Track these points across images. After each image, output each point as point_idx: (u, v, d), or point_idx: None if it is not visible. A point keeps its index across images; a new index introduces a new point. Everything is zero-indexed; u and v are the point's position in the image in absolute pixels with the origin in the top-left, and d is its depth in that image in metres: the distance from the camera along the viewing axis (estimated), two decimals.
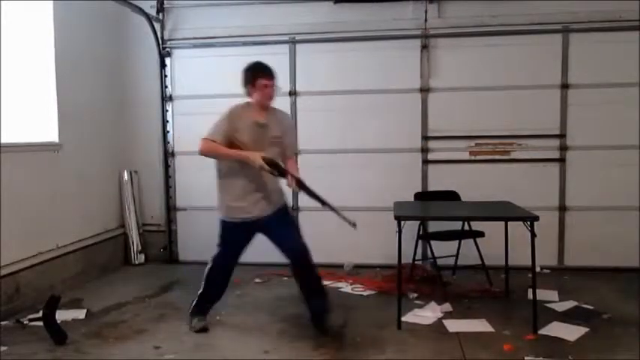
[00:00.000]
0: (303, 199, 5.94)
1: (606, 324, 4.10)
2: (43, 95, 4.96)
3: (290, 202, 5.93)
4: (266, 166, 3.61)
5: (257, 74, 3.84)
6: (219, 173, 3.94)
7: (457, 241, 5.25)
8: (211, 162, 6.22)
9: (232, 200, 3.84)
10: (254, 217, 3.83)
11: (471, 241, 5.12)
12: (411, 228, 4.69)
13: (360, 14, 5.81)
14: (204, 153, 3.76)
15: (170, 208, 6.25)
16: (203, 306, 4.09)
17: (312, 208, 6.03)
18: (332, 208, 3.67)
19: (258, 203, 3.83)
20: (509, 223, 4.64)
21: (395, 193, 5.09)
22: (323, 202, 3.70)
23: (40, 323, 3.85)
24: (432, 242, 5.11)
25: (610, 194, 5.57)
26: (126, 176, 6.14)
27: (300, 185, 3.73)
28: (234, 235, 3.93)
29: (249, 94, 3.90)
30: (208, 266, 4.05)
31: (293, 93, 5.94)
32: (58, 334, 3.78)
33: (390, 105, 5.83)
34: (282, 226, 3.88)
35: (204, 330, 4.00)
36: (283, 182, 3.83)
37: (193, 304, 4.10)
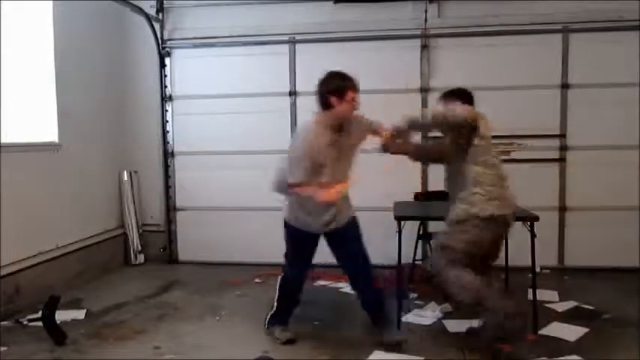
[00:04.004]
0: None
1: (606, 324, 4.10)
2: (42, 95, 4.96)
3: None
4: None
5: (349, 84, 3.46)
6: None
7: None
8: (209, 162, 6.24)
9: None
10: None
11: None
12: (411, 228, 4.68)
13: (360, 14, 5.81)
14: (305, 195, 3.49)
15: (170, 208, 6.25)
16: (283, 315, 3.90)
17: None
18: None
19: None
20: None
21: (395, 193, 5.08)
22: None
23: (40, 323, 3.84)
24: (432, 242, 5.11)
25: (610, 194, 5.56)
26: (126, 176, 6.14)
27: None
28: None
29: (329, 106, 3.46)
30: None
31: (293, 93, 5.94)
32: (57, 334, 3.78)
33: (390, 105, 5.80)
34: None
35: (291, 341, 3.78)
36: None
37: (270, 314, 3.92)
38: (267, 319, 3.93)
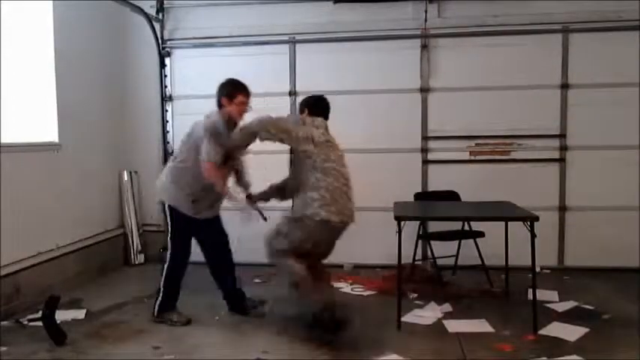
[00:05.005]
0: None
1: (606, 324, 4.10)
2: (42, 95, 4.96)
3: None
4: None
5: (238, 90, 4.02)
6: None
7: (457, 241, 5.25)
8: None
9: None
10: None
11: (471, 241, 5.12)
12: (411, 228, 4.68)
13: (360, 14, 5.81)
14: (211, 180, 3.91)
15: None
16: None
17: None
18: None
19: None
20: (509, 223, 4.64)
21: (395, 193, 5.09)
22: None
23: (40, 323, 3.84)
24: (432, 242, 5.12)
25: (610, 194, 5.57)
26: (126, 176, 6.14)
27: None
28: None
29: (221, 106, 4.05)
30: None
31: (293, 93, 5.94)
32: (57, 334, 3.78)
33: (390, 105, 5.83)
34: None
35: (189, 321, 4.18)
36: None
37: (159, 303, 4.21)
38: (157, 309, 4.17)
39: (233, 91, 4.01)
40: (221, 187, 3.96)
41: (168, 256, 4.17)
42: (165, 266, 4.17)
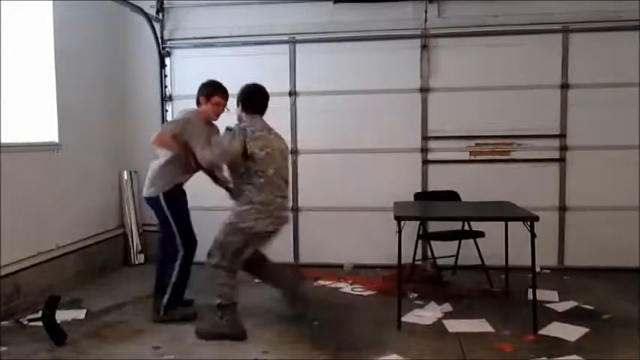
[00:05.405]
0: (304, 199, 5.98)
1: (606, 324, 4.10)
2: (42, 95, 4.96)
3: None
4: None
5: (216, 91, 4.24)
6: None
7: (457, 241, 5.25)
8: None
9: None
10: None
11: (471, 241, 5.12)
12: (411, 228, 4.69)
13: (360, 14, 5.81)
14: (158, 144, 4.22)
15: None
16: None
17: (313, 208, 6.07)
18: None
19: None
20: (509, 223, 4.64)
21: (395, 193, 5.09)
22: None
23: (40, 323, 3.84)
24: (432, 242, 5.12)
25: (610, 194, 5.57)
26: (126, 176, 6.14)
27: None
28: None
29: (199, 104, 4.29)
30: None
31: (293, 93, 5.94)
32: (57, 334, 3.78)
33: (390, 105, 5.83)
34: None
35: (195, 316, 4.24)
36: None
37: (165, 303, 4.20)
38: (163, 309, 4.19)
39: (211, 91, 4.23)
40: (169, 147, 4.13)
41: (181, 252, 4.18)
42: (177, 264, 4.18)
